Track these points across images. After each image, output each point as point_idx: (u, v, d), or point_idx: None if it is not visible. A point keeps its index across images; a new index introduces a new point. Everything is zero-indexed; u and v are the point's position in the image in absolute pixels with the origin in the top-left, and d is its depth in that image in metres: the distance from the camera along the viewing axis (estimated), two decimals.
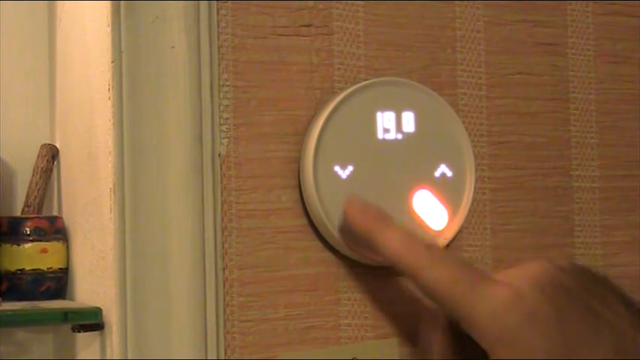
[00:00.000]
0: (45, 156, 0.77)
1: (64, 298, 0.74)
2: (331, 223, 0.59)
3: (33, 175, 0.77)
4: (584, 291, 0.52)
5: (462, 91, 0.65)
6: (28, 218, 0.74)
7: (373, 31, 0.63)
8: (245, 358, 0.59)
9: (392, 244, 0.55)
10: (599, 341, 0.50)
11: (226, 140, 0.59)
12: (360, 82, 0.61)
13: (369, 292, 0.62)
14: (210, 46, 0.58)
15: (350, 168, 0.60)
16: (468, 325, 0.52)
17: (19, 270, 0.72)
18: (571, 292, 0.51)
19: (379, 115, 0.61)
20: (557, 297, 0.51)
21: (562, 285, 0.51)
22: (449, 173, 0.62)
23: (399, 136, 0.61)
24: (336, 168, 0.60)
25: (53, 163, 0.78)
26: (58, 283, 0.73)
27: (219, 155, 0.59)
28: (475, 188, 0.63)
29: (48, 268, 0.72)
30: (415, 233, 0.56)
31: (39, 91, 0.83)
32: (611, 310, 0.51)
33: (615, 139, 0.70)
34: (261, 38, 0.60)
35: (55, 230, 0.73)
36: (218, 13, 0.59)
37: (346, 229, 0.59)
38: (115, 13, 0.57)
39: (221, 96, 0.59)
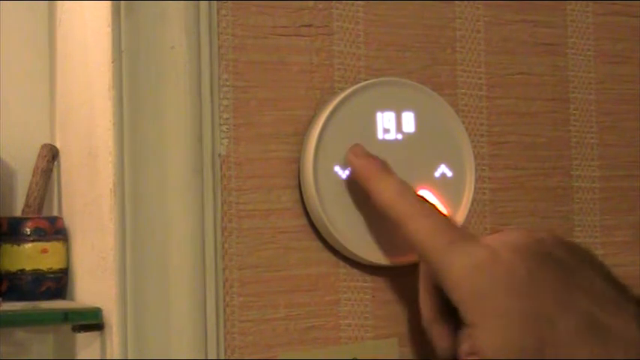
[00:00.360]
0: (45, 156, 0.77)
1: (64, 298, 0.74)
2: (331, 223, 0.59)
3: (33, 175, 0.77)
4: (560, 259, 0.53)
5: (462, 91, 0.65)
6: (28, 218, 0.74)
7: (373, 31, 0.63)
8: (245, 358, 0.59)
9: (385, 192, 0.57)
10: (569, 305, 0.51)
11: (226, 140, 0.59)
12: (360, 82, 0.61)
13: (369, 292, 0.62)
14: (210, 46, 0.58)
15: (350, 168, 0.60)
16: (443, 278, 0.53)
17: (19, 270, 0.72)
18: (546, 258, 0.52)
19: (379, 115, 0.61)
20: (532, 261, 0.52)
21: (538, 251, 0.53)
22: (449, 173, 0.62)
23: (399, 136, 0.61)
24: (336, 168, 0.60)
25: (53, 163, 0.78)
26: (58, 283, 0.73)
27: (219, 155, 0.59)
28: (475, 188, 0.63)
29: (48, 269, 0.72)
30: (411, 186, 0.58)
31: (39, 91, 0.83)
32: (586, 278, 0.52)
33: (615, 139, 0.70)
34: (261, 38, 0.60)
35: (55, 230, 0.73)
36: (218, 13, 0.59)
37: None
38: (115, 13, 0.57)
39: (221, 96, 0.59)
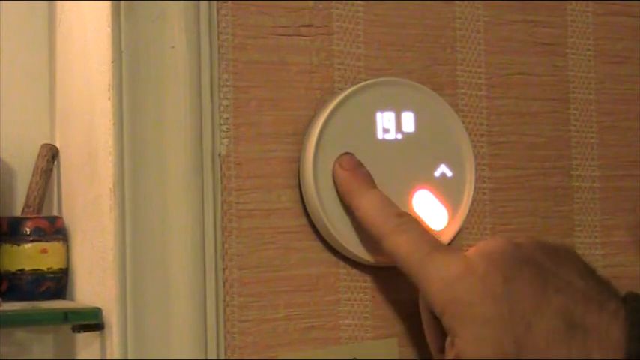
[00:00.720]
0: (45, 156, 0.77)
1: (64, 298, 0.74)
2: (331, 223, 0.59)
3: (33, 175, 0.77)
4: (537, 262, 0.53)
5: (462, 91, 0.65)
6: (28, 218, 0.74)
7: (373, 31, 0.63)
8: (245, 358, 0.59)
9: (365, 209, 0.58)
10: (546, 307, 0.51)
11: (226, 140, 0.59)
12: (360, 82, 0.61)
13: (369, 292, 0.62)
14: (210, 46, 0.58)
15: None
16: (423, 290, 0.55)
17: (19, 270, 0.72)
18: (523, 263, 0.53)
19: (379, 115, 0.61)
20: (507, 267, 0.52)
21: (515, 257, 0.53)
22: (449, 173, 0.62)
23: (399, 136, 0.61)
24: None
25: (53, 163, 0.78)
26: (58, 283, 0.73)
27: (219, 155, 0.59)
28: (475, 188, 0.63)
29: (48, 268, 0.72)
30: (390, 200, 0.58)
31: (39, 91, 0.83)
32: (564, 279, 0.52)
33: (615, 139, 0.70)
34: (261, 38, 0.60)
35: (55, 230, 0.73)
36: (218, 13, 0.59)
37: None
38: (115, 13, 0.57)
39: (221, 96, 0.59)
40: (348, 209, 0.59)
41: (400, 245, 0.56)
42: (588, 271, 0.54)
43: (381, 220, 0.57)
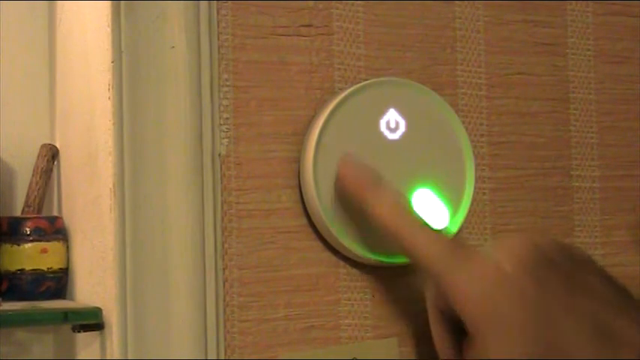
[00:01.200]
0: (45, 156, 0.77)
1: (64, 298, 0.74)
2: (331, 223, 0.59)
3: (33, 175, 0.77)
4: (559, 264, 0.52)
5: (462, 91, 0.66)
6: (28, 218, 0.73)
7: (373, 31, 0.63)
8: (245, 358, 0.59)
9: (380, 207, 0.57)
10: (574, 310, 0.50)
11: (226, 140, 0.59)
12: (360, 82, 0.61)
13: (369, 292, 0.62)
14: (210, 46, 0.58)
15: None
16: (447, 289, 0.53)
17: (19, 270, 0.72)
18: (548, 265, 0.52)
19: (379, 115, 0.61)
20: (534, 269, 0.52)
21: (539, 258, 0.52)
22: (449, 173, 0.62)
23: (399, 136, 0.61)
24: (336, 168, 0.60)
25: (53, 163, 0.78)
26: (58, 283, 0.73)
27: (219, 155, 0.59)
28: (475, 188, 0.63)
29: (48, 268, 0.72)
30: (404, 197, 0.58)
31: (39, 91, 0.83)
32: (587, 282, 0.52)
33: (615, 139, 0.70)
34: (261, 38, 0.60)
35: (55, 230, 0.73)
36: (218, 13, 0.59)
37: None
38: (115, 13, 0.57)
39: (221, 96, 0.59)
40: (349, 209, 0.59)
41: (420, 243, 0.54)
42: (605, 275, 0.53)
43: (398, 218, 0.56)
